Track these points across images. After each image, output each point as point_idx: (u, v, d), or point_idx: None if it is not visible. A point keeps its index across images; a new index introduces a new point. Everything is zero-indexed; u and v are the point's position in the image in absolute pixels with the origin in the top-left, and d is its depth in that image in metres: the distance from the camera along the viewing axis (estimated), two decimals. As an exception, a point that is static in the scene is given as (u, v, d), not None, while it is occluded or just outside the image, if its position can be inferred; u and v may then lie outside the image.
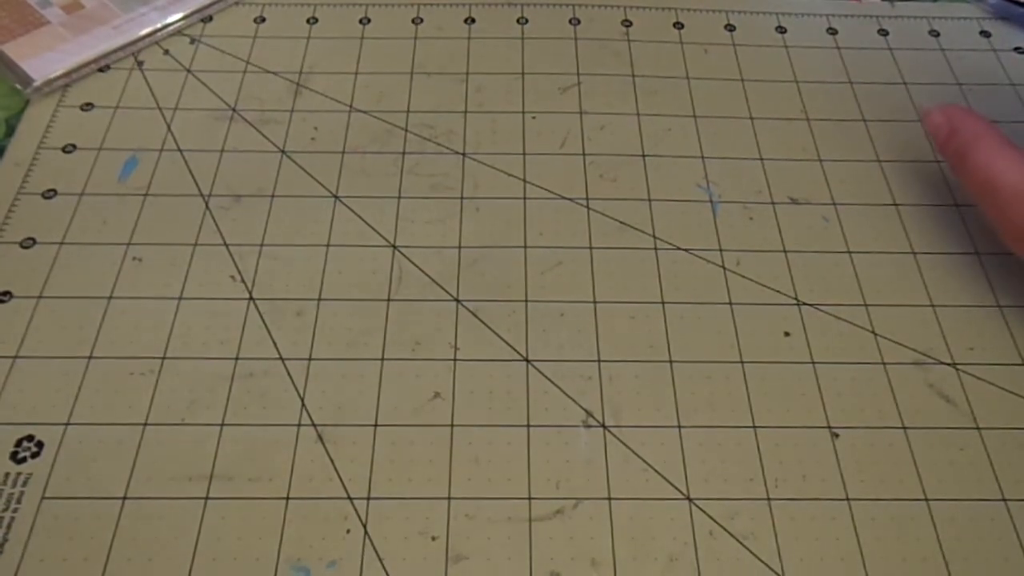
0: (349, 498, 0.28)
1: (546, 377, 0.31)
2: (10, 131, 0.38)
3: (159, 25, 0.42)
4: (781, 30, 0.44)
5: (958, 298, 0.34)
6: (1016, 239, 0.31)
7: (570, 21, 0.44)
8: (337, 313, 0.32)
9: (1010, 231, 0.31)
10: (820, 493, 0.29)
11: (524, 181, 0.37)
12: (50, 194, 0.36)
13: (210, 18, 0.43)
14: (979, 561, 0.27)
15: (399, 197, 0.36)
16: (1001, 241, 0.32)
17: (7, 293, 0.32)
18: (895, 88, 0.41)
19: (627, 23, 0.44)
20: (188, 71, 0.40)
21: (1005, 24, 0.44)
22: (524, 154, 0.38)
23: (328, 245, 0.34)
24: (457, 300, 0.33)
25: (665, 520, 0.28)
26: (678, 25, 0.44)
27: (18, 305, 0.32)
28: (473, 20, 0.43)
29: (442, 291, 0.33)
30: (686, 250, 0.35)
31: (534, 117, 0.39)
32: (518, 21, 0.43)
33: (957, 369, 0.32)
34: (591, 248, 0.35)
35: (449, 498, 0.28)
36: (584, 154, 0.38)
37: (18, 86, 0.39)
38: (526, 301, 0.33)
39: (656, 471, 0.29)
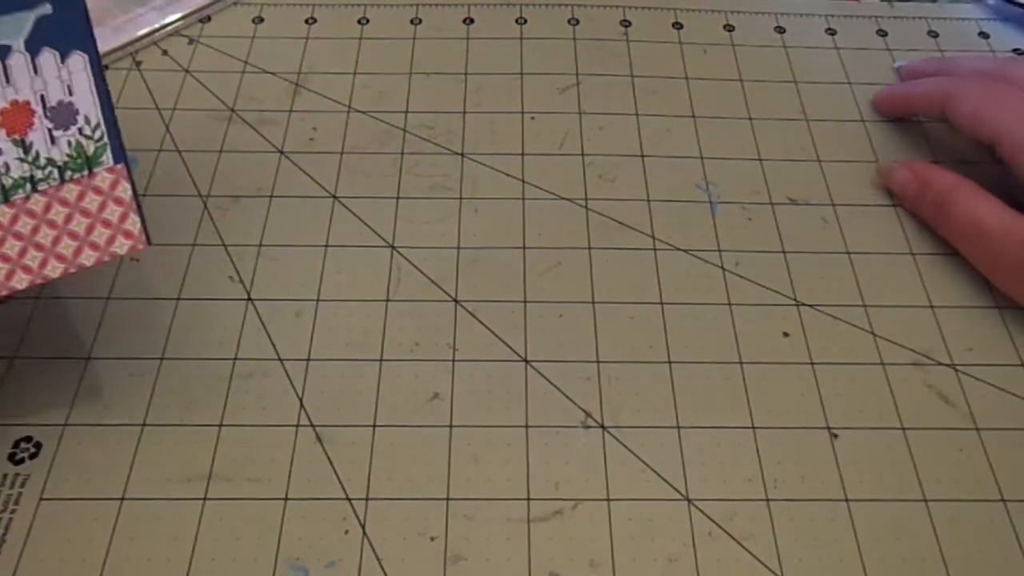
0: (348, 498, 0.28)
1: (545, 378, 0.31)
2: (8, 131, 0.38)
3: (157, 25, 0.42)
4: (780, 30, 0.44)
5: (957, 299, 0.34)
6: (1011, 280, 0.32)
7: (569, 21, 0.43)
8: (336, 313, 0.32)
9: (1003, 273, 0.32)
10: (819, 494, 0.29)
11: (523, 181, 0.37)
12: (48, 194, 0.35)
13: (208, 18, 0.43)
14: (978, 561, 0.27)
15: (398, 197, 0.36)
16: (995, 286, 0.33)
17: (5, 293, 0.32)
18: (894, 88, 0.41)
19: (626, 23, 0.44)
20: (186, 71, 0.40)
21: (1004, 25, 0.44)
22: (523, 154, 0.38)
23: (327, 245, 0.34)
24: (456, 300, 0.33)
25: (664, 521, 0.28)
26: (677, 25, 0.44)
27: (17, 305, 0.32)
28: (472, 20, 0.43)
29: (441, 291, 0.33)
30: (685, 250, 0.35)
31: (533, 117, 0.39)
32: (517, 21, 0.43)
33: (956, 370, 0.32)
34: (590, 248, 0.34)
35: (448, 499, 0.28)
36: (583, 154, 0.38)
37: (16, 86, 0.39)
38: (525, 301, 0.33)
39: (655, 472, 0.29)
